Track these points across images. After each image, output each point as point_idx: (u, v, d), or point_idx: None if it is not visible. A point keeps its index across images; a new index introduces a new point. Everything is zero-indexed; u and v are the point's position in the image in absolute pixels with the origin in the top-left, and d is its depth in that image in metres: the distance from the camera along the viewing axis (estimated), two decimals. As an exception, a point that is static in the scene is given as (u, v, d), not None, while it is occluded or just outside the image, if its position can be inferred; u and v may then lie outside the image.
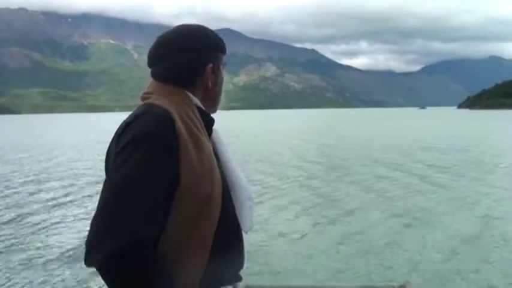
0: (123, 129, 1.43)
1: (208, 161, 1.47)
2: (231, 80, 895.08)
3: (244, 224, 1.61)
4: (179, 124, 1.43)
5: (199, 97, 1.61)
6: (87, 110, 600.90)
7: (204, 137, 1.51)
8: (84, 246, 1.24)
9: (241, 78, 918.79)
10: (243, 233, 1.64)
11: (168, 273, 1.35)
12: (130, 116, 1.47)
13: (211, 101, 1.67)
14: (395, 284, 2.03)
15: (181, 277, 1.39)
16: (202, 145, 1.48)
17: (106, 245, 1.26)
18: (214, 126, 1.65)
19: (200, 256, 1.43)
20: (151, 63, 1.64)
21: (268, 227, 9.96)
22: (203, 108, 1.61)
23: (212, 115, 1.66)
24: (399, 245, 8.82)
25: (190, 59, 1.59)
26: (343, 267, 7.65)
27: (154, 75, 1.62)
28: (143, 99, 1.58)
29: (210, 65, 1.61)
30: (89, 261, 1.30)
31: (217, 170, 1.50)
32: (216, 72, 1.65)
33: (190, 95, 1.58)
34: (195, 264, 1.43)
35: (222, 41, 1.68)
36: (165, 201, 1.37)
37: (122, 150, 1.38)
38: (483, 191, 13.87)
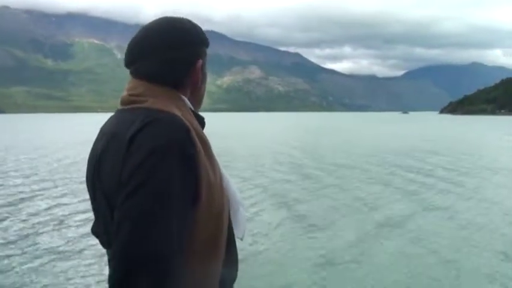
0: (132, 139, 1.27)
1: (219, 172, 1.39)
2: (214, 82, 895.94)
3: (239, 230, 1.54)
4: (192, 132, 1.31)
5: (188, 97, 1.49)
6: (71, 110, 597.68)
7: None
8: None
9: (225, 80, 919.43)
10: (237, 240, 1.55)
11: None
12: (127, 122, 1.33)
13: (198, 100, 1.57)
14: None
15: None
16: (213, 153, 1.39)
17: (138, 274, 1.15)
18: None
19: (215, 270, 1.38)
20: (133, 60, 1.47)
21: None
22: (193, 109, 1.49)
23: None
24: (380, 256, 8.59)
25: (181, 55, 1.45)
26: (323, 279, 7.45)
27: (138, 73, 1.46)
28: (131, 102, 1.42)
29: (200, 61, 1.50)
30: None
31: (224, 180, 1.43)
32: (203, 69, 1.54)
33: (184, 97, 1.46)
34: (209, 277, 1.37)
35: (205, 34, 1.57)
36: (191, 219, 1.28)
37: (141, 165, 1.22)
38: (475, 198, 13.73)
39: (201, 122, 1.46)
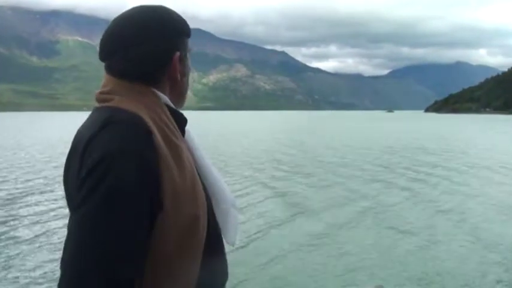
0: (87, 144, 1.16)
1: (191, 176, 1.25)
2: (200, 80, 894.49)
3: (229, 235, 1.40)
4: (156, 133, 1.20)
5: (167, 93, 1.35)
6: (56, 108, 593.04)
7: (182, 143, 1.29)
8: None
9: (211, 79, 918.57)
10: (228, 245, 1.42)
11: None
12: (90, 123, 1.23)
13: (179, 96, 1.42)
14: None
15: None
16: (183, 156, 1.25)
17: None
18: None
19: (189, 279, 1.24)
20: (106, 55, 1.35)
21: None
22: (173, 106, 1.36)
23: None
24: (371, 249, 8.65)
25: (155, 48, 1.31)
26: (315, 272, 7.45)
27: (110, 70, 1.33)
28: (101, 100, 1.31)
29: (178, 54, 1.35)
30: None
31: (200, 184, 1.28)
32: (184, 61, 1.40)
33: (159, 92, 1.32)
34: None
35: (186, 23, 1.41)
36: (147, 231, 1.15)
37: (89, 173, 1.11)
38: (461, 194, 14.09)
39: (181, 119, 1.35)
